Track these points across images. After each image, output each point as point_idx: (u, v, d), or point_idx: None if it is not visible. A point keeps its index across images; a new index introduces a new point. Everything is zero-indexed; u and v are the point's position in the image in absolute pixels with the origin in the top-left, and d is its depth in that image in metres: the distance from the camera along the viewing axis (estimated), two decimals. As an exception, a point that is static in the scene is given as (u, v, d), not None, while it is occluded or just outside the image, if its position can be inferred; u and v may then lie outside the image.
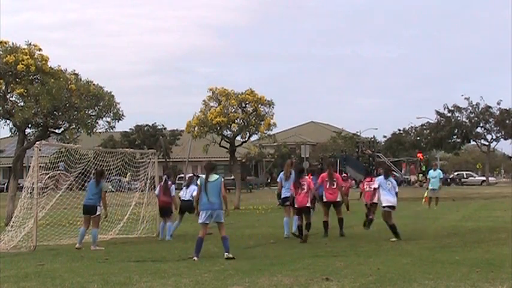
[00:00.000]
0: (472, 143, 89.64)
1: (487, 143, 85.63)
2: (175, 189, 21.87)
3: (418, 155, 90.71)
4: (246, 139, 40.66)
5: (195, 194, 19.31)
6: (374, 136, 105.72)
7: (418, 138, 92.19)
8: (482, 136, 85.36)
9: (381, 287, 10.76)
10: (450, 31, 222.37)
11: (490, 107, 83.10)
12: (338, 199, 20.76)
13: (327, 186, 20.63)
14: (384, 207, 19.11)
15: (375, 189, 20.21)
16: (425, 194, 33.17)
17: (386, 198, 19.01)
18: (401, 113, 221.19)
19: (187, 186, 22.04)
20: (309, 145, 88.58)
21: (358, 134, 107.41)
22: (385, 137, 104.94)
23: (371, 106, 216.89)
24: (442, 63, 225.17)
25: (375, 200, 20.59)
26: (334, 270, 12.78)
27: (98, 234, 18.89)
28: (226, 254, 15.19)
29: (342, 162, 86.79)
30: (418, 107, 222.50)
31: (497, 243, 17.13)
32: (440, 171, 34.81)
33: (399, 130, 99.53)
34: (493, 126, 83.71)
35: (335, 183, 20.62)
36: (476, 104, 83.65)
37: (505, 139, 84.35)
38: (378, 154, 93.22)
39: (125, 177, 26.84)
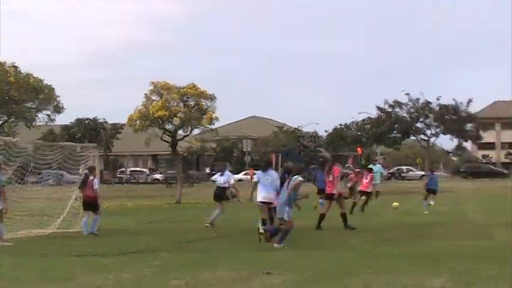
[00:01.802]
0: (412, 138, 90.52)
1: (426, 138, 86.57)
2: (103, 183, 21.59)
3: (358, 149, 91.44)
4: (188, 133, 40.59)
5: (232, 181, 21.48)
6: (316, 131, 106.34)
7: (359, 133, 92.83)
8: (422, 131, 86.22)
9: (322, 281, 10.82)
10: (392, 28, 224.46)
11: (429, 102, 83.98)
12: (333, 191, 20.62)
13: (329, 179, 20.75)
14: (260, 202, 18.58)
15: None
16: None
17: (263, 195, 18.43)
18: (343, 108, 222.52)
19: (222, 173, 23.05)
20: (250, 139, 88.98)
21: (300, 128, 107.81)
22: (326, 131, 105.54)
23: (313, 101, 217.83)
24: (384, 59, 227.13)
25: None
26: (276, 264, 12.81)
27: (2, 230, 18.21)
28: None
29: (284, 157, 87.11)
30: (360, 102, 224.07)
31: (435, 237, 17.39)
32: (380, 166, 35.17)
33: (340, 125, 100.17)
34: (432, 121, 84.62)
35: (332, 177, 20.69)
36: (416, 100, 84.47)
37: (444, 134, 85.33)
38: (320, 149, 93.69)
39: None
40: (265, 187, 18.40)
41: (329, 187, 20.67)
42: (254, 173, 21.50)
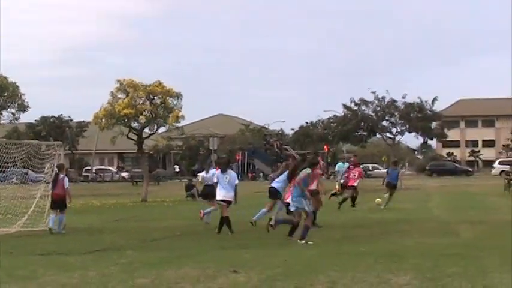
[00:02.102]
0: (378, 136, 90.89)
1: (392, 136, 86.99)
2: (69, 181, 21.43)
3: (325, 147, 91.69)
4: (154, 131, 40.41)
5: (215, 180, 20.29)
6: (282, 129, 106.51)
7: (325, 131, 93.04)
8: (388, 129, 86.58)
9: (288, 279, 10.83)
10: (357, 25, 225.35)
11: (395, 100, 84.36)
12: (312, 188, 20.59)
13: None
14: (220, 201, 18.97)
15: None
16: (337, 187, 33.56)
17: (223, 194, 18.85)
18: (309, 106, 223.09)
19: (207, 171, 22.93)
20: (217, 137, 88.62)
21: (266, 126, 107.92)
22: (292, 129, 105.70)
23: (279, 99, 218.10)
24: (350, 57, 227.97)
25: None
26: (242, 262, 12.82)
27: None
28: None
29: (250, 155, 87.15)
30: (326, 101, 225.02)
31: (401, 235, 17.47)
32: (347, 163, 35.21)
33: (307, 123, 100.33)
34: (398, 119, 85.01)
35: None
36: (382, 98, 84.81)
37: (410, 132, 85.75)
38: (286, 147, 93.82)
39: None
40: (224, 186, 18.88)
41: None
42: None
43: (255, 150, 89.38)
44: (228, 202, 18.96)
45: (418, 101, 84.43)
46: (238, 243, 16.33)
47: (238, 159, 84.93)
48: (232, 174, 19.37)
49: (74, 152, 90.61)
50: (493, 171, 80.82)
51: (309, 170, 16.73)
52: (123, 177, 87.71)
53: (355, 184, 28.26)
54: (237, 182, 19.34)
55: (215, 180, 20.22)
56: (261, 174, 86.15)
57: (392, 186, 28.86)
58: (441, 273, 11.12)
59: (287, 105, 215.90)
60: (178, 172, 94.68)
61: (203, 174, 23.66)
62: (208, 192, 22.11)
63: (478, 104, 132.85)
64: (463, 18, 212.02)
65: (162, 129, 41.71)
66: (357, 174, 28.39)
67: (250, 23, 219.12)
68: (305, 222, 16.41)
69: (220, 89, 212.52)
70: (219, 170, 19.77)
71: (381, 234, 17.64)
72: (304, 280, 10.72)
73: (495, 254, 13.35)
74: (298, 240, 16.00)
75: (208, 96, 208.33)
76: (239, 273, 11.39)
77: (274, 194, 19.36)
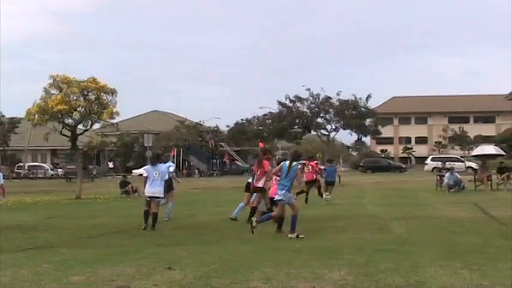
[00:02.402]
0: (313, 132, 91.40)
1: (327, 133, 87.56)
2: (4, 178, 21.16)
3: (260, 144, 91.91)
4: (88, 127, 40.01)
5: (171, 170, 21.39)
6: (217, 125, 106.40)
7: (261, 128, 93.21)
8: (323, 126, 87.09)
9: (223, 275, 10.83)
10: (292, 21, 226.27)
11: (330, 97, 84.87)
12: (259, 185, 20.42)
13: (257, 172, 20.63)
14: (147, 197, 19.06)
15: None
16: None
17: (150, 190, 18.91)
18: (244, 103, 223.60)
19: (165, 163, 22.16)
20: (152, 134, 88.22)
21: (201, 123, 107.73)
22: (228, 126, 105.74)
23: (214, 95, 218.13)
24: (285, 54, 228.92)
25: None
26: (177, 259, 12.79)
27: None
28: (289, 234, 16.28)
29: (185, 152, 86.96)
30: (261, 97, 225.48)
31: (336, 231, 17.60)
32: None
33: (242, 120, 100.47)
34: (332, 116, 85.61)
35: (260, 170, 20.50)
36: (317, 95, 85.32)
37: (344, 129, 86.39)
38: (221, 143, 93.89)
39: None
40: (153, 182, 18.89)
41: (255, 181, 20.74)
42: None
43: (190, 146, 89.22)
44: (156, 198, 18.95)
45: (352, 98, 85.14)
46: (174, 240, 16.29)
47: (173, 156, 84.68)
48: (162, 168, 19.30)
49: (5, 148, 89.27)
50: (426, 167, 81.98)
51: (299, 165, 16.85)
52: (57, 174, 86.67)
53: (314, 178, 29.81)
54: (167, 177, 19.33)
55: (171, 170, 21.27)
56: (196, 170, 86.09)
57: (330, 183, 29.51)
58: (375, 268, 11.24)
59: (222, 102, 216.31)
60: (111, 168, 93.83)
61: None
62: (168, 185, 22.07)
63: (411, 102, 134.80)
64: (396, 16, 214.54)
65: (96, 126, 41.38)
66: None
67: (185, 19, 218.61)
68: (292, 214, 16.62)
69: (155, 85, 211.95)
70: (149, 165, 19.69)
71: (316, 231, 17.74)
72: (240, 276, 10.74)
73: (428, 249, 13.54)
74: (289, 235, 16.09)
75: (143, 92, 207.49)
76: (174, 270, 11.35)
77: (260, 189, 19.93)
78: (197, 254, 13.46)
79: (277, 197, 16.96)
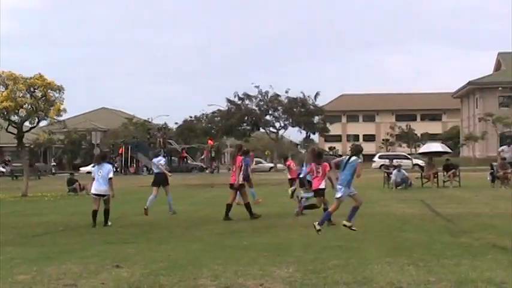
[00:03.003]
0: (262, 130, 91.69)
1: (275, 131, 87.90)
2: None
3: (209, 141, 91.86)
4: (35, 125, 39.54)
5: (163, 162, 22.54)
6: (166, 123, 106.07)
7: (210, 125, 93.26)
8: (271, 124, 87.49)
9: (172, 273, 10.80)
10: (241, 19, 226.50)
11: (278, 95, 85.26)
12: (235, 181, 20.72)
13: (233, 169, 20.82)
14: (93, 195, 19.34)
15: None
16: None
17: (95, 188, 19.18)
18: (193, 100, 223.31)
19: (156, 157, 23.37)
20: (100, 131, 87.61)
21: (150, 120, 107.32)
22: (176, 123, 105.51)
23: (163, 93, 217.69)
24: (234, 51, 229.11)
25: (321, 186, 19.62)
26: (125, 257, 12.73)
27: None
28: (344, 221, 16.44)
29: (133, 149, 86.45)
30: (210, 95, 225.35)
31: (284, 228, 17.61)
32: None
33: (191, 117, 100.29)
34: (281, 114, 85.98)
35: (234, 167, 20.71)
36: (266, 93, 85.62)
37: (293, 127, 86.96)
38: (170, 140, 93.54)
39: None
40: (98, 180, 19.08)
41: (231, 177, 20.84)
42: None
43: (138, 144, 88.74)
44: (101, 196, 19.12)
45: (301, 96, 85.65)
46: (122, 238, 16.19)
47: (122, 153, 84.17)
48: (106, 167, 19.32)
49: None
50: (373, 165, 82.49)
51: (360, 160, 16.65)
52: (2, 172, 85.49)
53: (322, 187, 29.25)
54: (111, 175, 19.25)
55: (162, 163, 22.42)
56: (145, 168, 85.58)
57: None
58: (323, 265, 11.29)
59: (171, 99, 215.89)
60: (54, 165, 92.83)
61: (153, 160, 23.85)
62: (159, 179, 22.84)
63: (359, 99, 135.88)
64: (345, 14, 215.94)
65: (43, 123, 40.90)
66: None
67: (133, 16, 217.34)
68: (354, 205, 16.74)
69: (103, 82, 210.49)
70: (95, 164, 19.91)
71: (264, 228, 17.74)
72: (188, 274, 10.72)
73: (375, 246, 13.65)
74: (316, 224, 16.01)
75: (91, 89, 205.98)
76: (122, 268, 11.30)
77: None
78: (145, 252, 13.41)
79: (337, 195, 16.79)
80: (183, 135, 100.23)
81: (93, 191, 19.34)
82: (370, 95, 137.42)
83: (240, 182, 20.72)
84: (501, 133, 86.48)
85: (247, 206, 20.71)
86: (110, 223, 19.10)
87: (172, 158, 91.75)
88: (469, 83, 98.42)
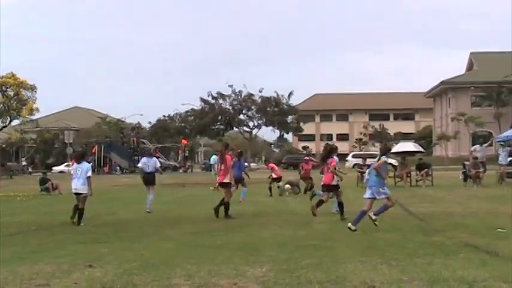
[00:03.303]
0: (235, 129, 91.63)
1: (249, 130, 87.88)
2: None
3: (183, 141, 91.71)
4: (7, 124, 39.37)
5: (158, 165, 23.18)
6: (139, 122, 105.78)
7: (183, 124, 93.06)
8: (245, 123, 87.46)
9: (145, 273, 10.77)
10: (216, 18, 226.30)
11: (252, 94, 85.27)
12: (224, 180, 20.89)
13: (221, 168, 21.03)
14: (74, 193, 19.55)
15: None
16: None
17: (74, 186, 19.39)
18: (167, 100, 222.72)
19: (150, 157, 23.67)
20: (73, 130, 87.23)
21: (123, 119, 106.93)
22: (150, 123, 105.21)
23: (137, 92, 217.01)
24: (207, 51, 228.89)
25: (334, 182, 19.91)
26: (98, 256, 12.68)
27: None
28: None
29: (107, 148, 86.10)
30: (184, 94, 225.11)
31: (258, 227, 17.61)
32: (216, 157, 35.56)
33: (164, 116, 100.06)
34: (255, 113, 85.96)
35: (223, 165, 20.90)
36: (239, 92, 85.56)
37: (266, 126, 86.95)
38: (143, 140, 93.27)
39: None
40: (76, 178, 19.23)
41: (221, 175, 20.97)
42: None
43: (111, 143, 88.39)
44: (80, 194, 19.22)
45: (274, 95, 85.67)
46: (94, 237, 16.11)
47: (95, 153, 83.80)
48: (85, 166, 19.41)
49: None
50: (347, 164, 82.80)
51: (385, 158, 16.64)
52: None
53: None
54: (89, 174, 19.30)
55: (158, 165, 23.04)
56: (118, 167, 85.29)
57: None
58: (296, 264, 11.31)
59: (145, 99, 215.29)
60: (25, 165, 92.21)
61: (142, 160, 24.19)
62: (149, 178, 23.14)
63: (332, 99, 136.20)
64: (318, 14, 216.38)
65: (15, 122, 40.72)
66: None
67: (106, 14, 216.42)
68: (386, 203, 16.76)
69: (76, 81, 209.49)
70: (75, 162, 19.97)
71: (238, 227, 17.75)
72: (161, 273, 10.69)
73: (348, 245, 13.69)
74: (373, 215, 16.29)
75: (64, 88, 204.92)
76: (95, 268, 11.26)
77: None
78: (118, 251, 13.36)
79: (366, 195, 16.70)
80: (157, 134, 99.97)
81: (73, 189, 19.44)
82: (343, 95, 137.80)
83: (226, 181, 20.81)
84: (473, 132, 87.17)
85: (226, 205, 20.72)
86: (82, 224, 19.02)
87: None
88: (442, 82, 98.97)
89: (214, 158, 35.20)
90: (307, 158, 32.96)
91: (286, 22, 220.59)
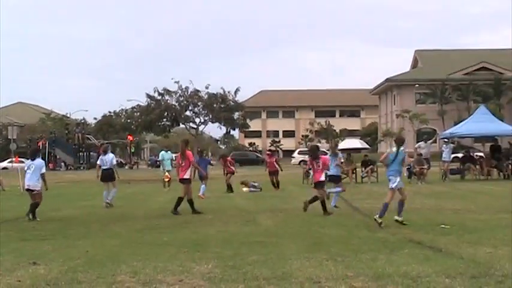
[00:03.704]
0: (182, 126, 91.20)
1: (195, 126, 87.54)
2: None
3: (128, 137, 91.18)
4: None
5: (114, 162, 23.61)
6: (84, 118, 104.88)
7: (129, 120, 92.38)
8: (191, 119, 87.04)
9: (90, 270, 10.67)
10: (161, 13, 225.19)
11: (198, 90, 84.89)
12: (185, 176, 20.82)
13: (182, 164, 20.88)
14: (26, 190, 19.77)
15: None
16: (165, 174, 33.87)
17: (27, 183, 19.58)
18: (112, 95, 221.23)
19: (104, 154, 23.85)
20: (16, 126, 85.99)
21: (68, 115, 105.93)
22: (95, 119, 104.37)
23: (81, 87, 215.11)
24: (154, 46, 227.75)
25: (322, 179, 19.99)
26: (42, 253, 12.55)
27: None
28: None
29: (51, 145, 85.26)
30: (130, 90, 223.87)
31: (203, 224, 17.59)
32: (170, 153, 35.34)
33: (110, 112, 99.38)
34: (201, 109, 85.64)
35: (185, 162, 20.83)
36: (186, 88, 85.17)
37: (213, 122, 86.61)
38: (88, 136, 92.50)
39: None
40: (29, 175, 19.34)
41: (181, 171, 20.88)
42: (20, 161, 21.40)
43: (56, 139, 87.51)
44: (32, 191, 19.30)
45: (221, 91, 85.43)
46: (38, 234, 15.93)
47: (42, 145, 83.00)
48: (38, 162, 19.58)
49: None
50: (293, 160, 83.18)
51: (406, 150, 17.14)
52: None
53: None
54: (43, 170, 19.50)
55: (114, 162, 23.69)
56: (63, 164, 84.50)
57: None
58: (242, 261, 11.30)
59: (90, 94, 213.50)
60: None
61: (101, 157, 24.35)
62: (107, 175, 23.66)
63: (278, 95, 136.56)
64: (263, 10, 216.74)
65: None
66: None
67: (48, 9, 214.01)
68: (401, 198, 16.91)
69: (19, 76, 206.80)
70: (29, 159, 20.10)
71: (183, 224, 17.70)
72: (107, 270, 10.61)
73: (294, 242, 13.72)
74: (397, 217, 16.44)
75: (7, 84, 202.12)
76: (39, 265, 11.14)
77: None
78: (62, 249, 13.24)
79: (393, 185, 16.77)
80: (102, 130, 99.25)
81: (26, 186, 19.66)
82: (289, 91, 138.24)
83: (186, 177, 20.84)
84: (418, 129, 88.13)
85: (179, 200, 20.72)
86: (38, 218, 19.15)
87: (91, 153, 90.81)
88: (387, 79, 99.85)
89: (162, 155, 34.91)
90: (269, 152, 35.54)
91: (232, 18, 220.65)
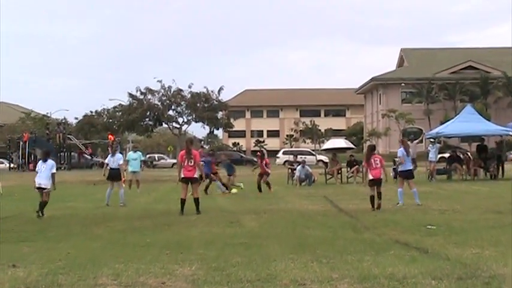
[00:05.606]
0: (164, 125, 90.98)
1: (178, 126, 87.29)
2: None
3: (109, 137, 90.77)
4: None
5: (121, 162, 24.84)
6: (65, 117, 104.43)
7: (111, 120, 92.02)
8: (174, 119, 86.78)
9: (71, 272, 10.49)
10: (143, 12, 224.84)
11: (181, 90, 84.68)
12: (195, 175, 20.77)
13: (185, 164, 20.61)
14: (36, 188, 20.83)
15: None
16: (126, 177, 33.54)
17: (37, 181, 20.72)
18: (94, 95, 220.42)
19: (113, 154, 24.93)
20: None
21: (49, 115, 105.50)
22: (76, 118, 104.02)
23: (62, 87, 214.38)
24: (135, 45, 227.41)
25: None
26: (22, 256, 12.35)
27: None
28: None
29: (31, 145, 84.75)
30: (112, 89, 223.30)
31: (187, 225, 17.43)
32: (140, 153, 34.88)
33: (91, 112, 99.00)
34: (184, 109, 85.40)
35: (192, 161, 20.54)
36: (169, 87, 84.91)
37: (196, 122, 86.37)
38: (69, 136, 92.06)
39: None
40: (39, 173, 20.59)
41: (189, 171, 20.55)
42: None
43: (36, 139, 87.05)
44: (43, 189, 20.48)
45: (204, 90, 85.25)
46: (18, 236, 15.74)
47: (27, 141, 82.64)
48: (48, 163, 20.71)
49: None
50: (277, 160, 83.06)
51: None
52: None
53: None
54: (54, 170, 20.62)
55: (120, 162, 24.54)
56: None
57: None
58: (226, 262, 11.15)
59: (71, 94, 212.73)
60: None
61: (108, 157, 25.24)
62: (114, 174, 24.42)
63: (263, 95, 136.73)
64: (247, 9, 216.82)
65: None
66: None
67: (28, 8, 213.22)
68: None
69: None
70: (40, 160, 21.32)
71: (166, 225, 17.54)
72: (88, 273, 10.44)
73: (279, 243, 13.58)
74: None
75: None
76: (18, 268, 10.96)
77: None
78: (43, 251, 13.06)
79: None
80: (84, 130, 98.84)
81: (36, 184, 20.69)
82: (274, 91, 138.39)
83: (196, 176, 20.93)
84: (404, 129, 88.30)
85: (196, 201, 20.79)
86: (45, 215, 20.20)
87: (72, 153, 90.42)
88: (372, 79, 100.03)
89: (129, 155, 34.66)
90: (259, 153, 35.45)
91: (216, 17, 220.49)
